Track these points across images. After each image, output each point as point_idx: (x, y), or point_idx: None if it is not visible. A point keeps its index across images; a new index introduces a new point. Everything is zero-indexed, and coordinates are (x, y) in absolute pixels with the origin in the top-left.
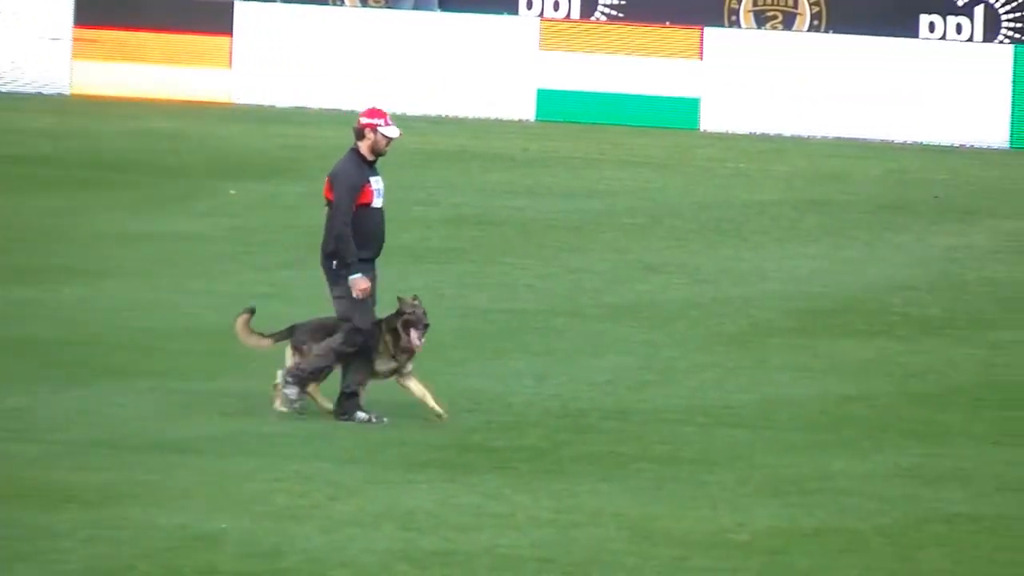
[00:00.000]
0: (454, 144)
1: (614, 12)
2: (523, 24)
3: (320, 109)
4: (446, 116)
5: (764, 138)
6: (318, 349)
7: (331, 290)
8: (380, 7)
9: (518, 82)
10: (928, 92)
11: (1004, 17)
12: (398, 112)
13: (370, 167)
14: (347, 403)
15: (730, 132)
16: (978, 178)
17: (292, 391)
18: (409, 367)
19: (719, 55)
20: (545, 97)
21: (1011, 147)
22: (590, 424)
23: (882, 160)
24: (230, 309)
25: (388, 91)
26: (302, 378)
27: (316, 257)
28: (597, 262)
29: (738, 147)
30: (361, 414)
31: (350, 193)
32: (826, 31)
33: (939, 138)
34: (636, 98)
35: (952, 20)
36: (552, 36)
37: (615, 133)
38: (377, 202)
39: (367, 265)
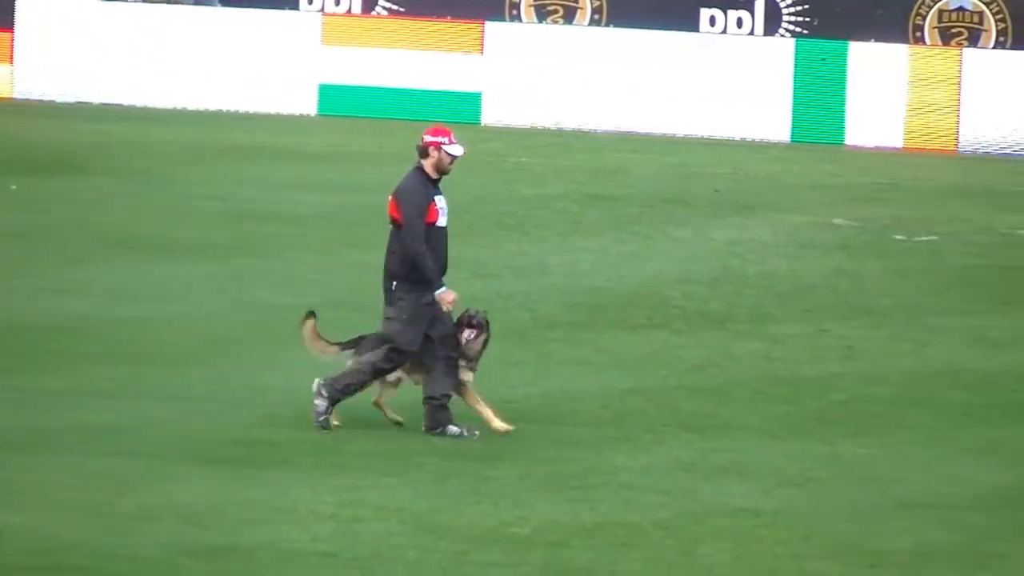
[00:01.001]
0: (236, 139)
1: (395, 7)
2: (305, 19)
3: (102, 104)
4: (228, 111)
5: (546, 132)
6: (355, 364)
7: (385, 309)
8: (163, 3)
9: (300, 77)
10: (709, 86)
11: (785, 11)
12: (178, 107)
13: (434, 185)
14: (439, 415)
15: (512, 126)
16: (759, 172)
17: (321, 404)
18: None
19: (500, 49)
20: (327, 92)
21: (792, 141)
22: (374, 419)
23: (663, 154)
24: (9, 306)
25: (170, 86)
26: (334, 394)
27: (102, 254)
28: (379, 257)
29: (520, 141)
30: (453, 428)
31: (418, 211)
32: (607, 25)
33: (720, 132)
34: (418, 92)
35: (733, 14)
36: (334, 31)
37: (396, 127)
38: (441, 221)
39: (421, 288)
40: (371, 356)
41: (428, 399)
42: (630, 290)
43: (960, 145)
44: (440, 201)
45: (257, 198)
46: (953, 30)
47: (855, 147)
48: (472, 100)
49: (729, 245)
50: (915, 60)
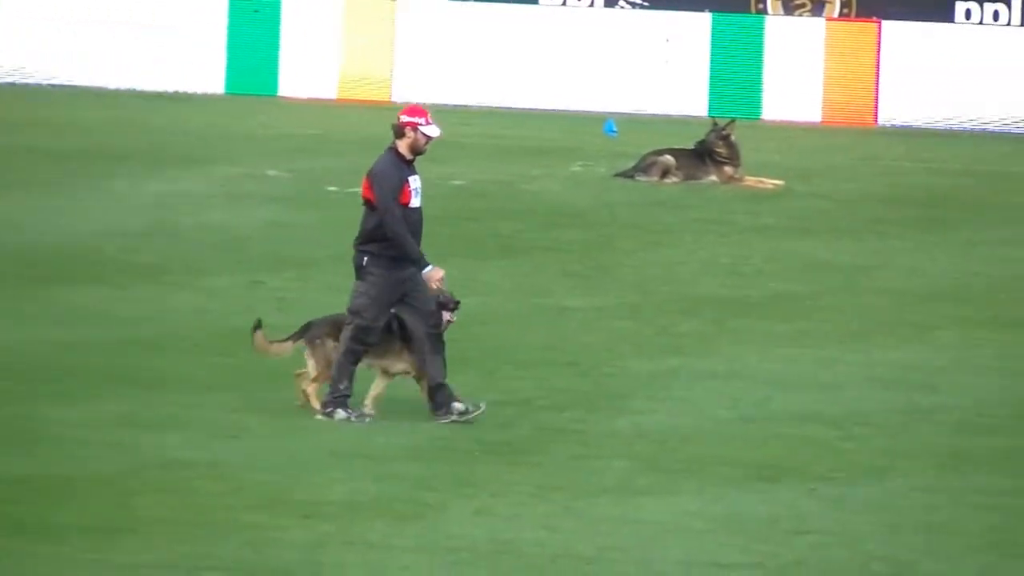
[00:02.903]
0: None
1: None
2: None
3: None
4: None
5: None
6: (334, 367)
7: (356, 284)
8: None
9: None
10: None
11: None
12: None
13: (408, 166)
14: (439, 396)
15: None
16: (195, 125)
17: (342, 414)
18: None
19: None
20: None
21: (227, 92)
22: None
23: (104, 107)
24: None
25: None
26: (338, 399)
27: None
28: None
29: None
30: (458, 405)
31: (392, 193)
32: None
33: (155, 85)
34: None
35: None
36: None
37: None
38: (415, 202)
39: (405, 262)
40: (341, 345)
41: (431, 389)
42: (63, 243)
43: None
44: (414, 182)
45: None
46: (796, 1)
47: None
48: None
49: (162, 197)
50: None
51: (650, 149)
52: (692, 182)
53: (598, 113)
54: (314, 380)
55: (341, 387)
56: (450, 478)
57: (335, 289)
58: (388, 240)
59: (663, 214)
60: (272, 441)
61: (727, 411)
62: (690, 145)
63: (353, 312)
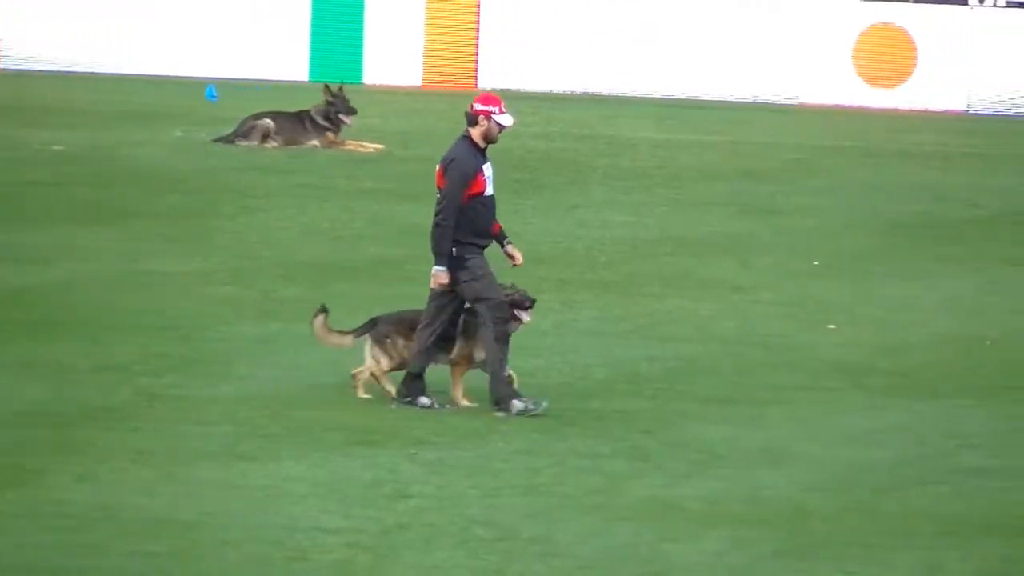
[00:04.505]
0: None
1: None
2: None
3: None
4: None
5: None
6: (486, 354)
7: (458, 275)
8: None
9: None
10: None
11: None
12: None
13: (481, 154)
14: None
15: None
16: None
17: (518, 404)
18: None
19: None
20: None
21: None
22: None
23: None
24: None
25: None
26: (502, 388)
27: None
28: None
29: None
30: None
31: (463, 181)
32: None
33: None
34: None
35: None
36: None
37: None
38: (489, 189)
39: (479, 251)
40: (483, 332)
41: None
42: None
43: None
44: (487, 170)
45: None
46: None
47: None
48: None
49: None
50: None
51: (250, 114)
52: (293, 147)
53: (199, 79)
54: (386, 372)
55: (504, 376)
56: (50, 444)
57: None
58: (467, 225)
59: (264, 179)
60: None
61: (329, 376)
62: (292, 109)
63: (476, 300)
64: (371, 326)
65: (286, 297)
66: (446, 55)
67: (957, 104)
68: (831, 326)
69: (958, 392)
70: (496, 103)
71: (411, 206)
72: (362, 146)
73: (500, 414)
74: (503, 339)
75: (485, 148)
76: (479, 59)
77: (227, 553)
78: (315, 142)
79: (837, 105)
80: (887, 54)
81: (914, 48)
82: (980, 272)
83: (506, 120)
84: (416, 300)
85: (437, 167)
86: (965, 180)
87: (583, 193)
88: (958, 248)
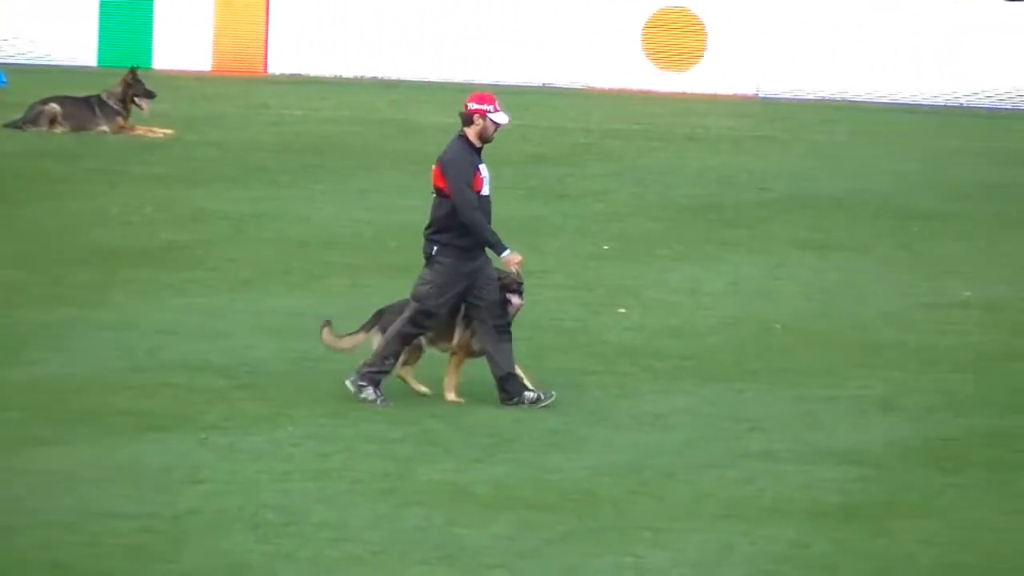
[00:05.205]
0: None
1: None
2: None
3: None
4: None
5: None
6: (383, 340)
7: (423, 272)
8: None
9: None
10: None
11: None
12: None
13: (477, 154)
14: (509, 385)
15: None
16: None
17: (370, 393)
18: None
19: None
20: None
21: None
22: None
23: None
24: None
25: None
26: (372, 376)
27: None
28: None
29: None
30: (530, 394)
31: (466, 180)
32: None
33: None
34: None
35: None
36: None
37: None
38: (485, 190)
39: (476, 253)
40: (397, 324)
41: (500, 379)
42: None
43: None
44: (484, 170)
45: None
46: None
47: None
48: None
49: None
50: None
51: (38, 99)
52: (82, 132)
53: None
54: (405, 363)
55: (387, 362)
56: None
57: None
58: (458, 229)
59: (54, 164)
60: None
61: (120, 361)
62: (82, 94)
63: (416, 299)
64: (377, 319)
65: (76, 282)
66: (236, 40)
67: (747, 88)
68: (621, 310)
69: (746, 376)
70: (490, 101)
71: (201, 191)
72: (152, 131)
73: (351, 387)
74: (405, 339)
75: (480, 148)
76: (268, 44)
77: (17, 538)
78: (104, 127)
79: (626, 89)
80: (677, 38)
81: (704, 32)
82: (768, 255)
83: (501, 118)
84: (193, 284)
85: (433, 167)
86: (754, 164)
87: (373, 178)
88: (746, 231)
